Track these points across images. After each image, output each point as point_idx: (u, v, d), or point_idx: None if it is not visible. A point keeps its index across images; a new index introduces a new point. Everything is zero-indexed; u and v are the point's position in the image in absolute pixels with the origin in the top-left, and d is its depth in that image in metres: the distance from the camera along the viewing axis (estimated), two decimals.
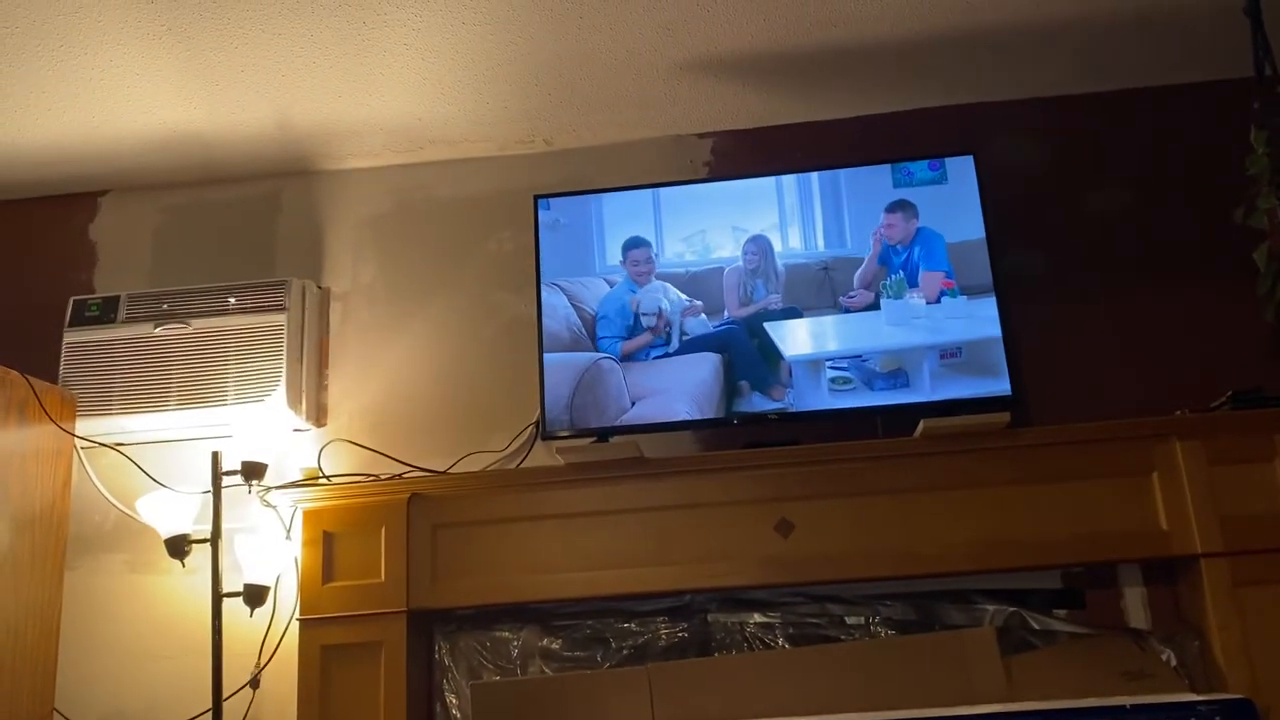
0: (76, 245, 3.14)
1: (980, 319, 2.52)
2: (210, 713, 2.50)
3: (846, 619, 2.55)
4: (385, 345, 2.95)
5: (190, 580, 2.73)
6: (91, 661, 2.76)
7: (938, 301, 2.54)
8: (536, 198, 2.73)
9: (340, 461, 2.80)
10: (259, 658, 2.65)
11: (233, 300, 2.83)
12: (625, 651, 2.57)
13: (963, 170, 2.62)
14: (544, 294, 2.65)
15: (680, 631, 2.57)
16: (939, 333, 2.52)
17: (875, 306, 2.56)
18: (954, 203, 2.60)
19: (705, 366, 2.58)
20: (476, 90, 2.80)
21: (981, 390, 2.48)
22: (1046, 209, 2.86)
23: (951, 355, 2.51)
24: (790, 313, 2.59)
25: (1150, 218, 2.83)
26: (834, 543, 2.43)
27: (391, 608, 2.49)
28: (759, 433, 2.57)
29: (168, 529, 2.61)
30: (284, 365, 2.76)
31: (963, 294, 2.54)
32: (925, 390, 2.50)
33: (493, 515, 2.54)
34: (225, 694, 2.53)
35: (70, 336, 2.85)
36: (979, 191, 2.59)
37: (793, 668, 2.43)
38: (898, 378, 2.52)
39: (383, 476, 2.64)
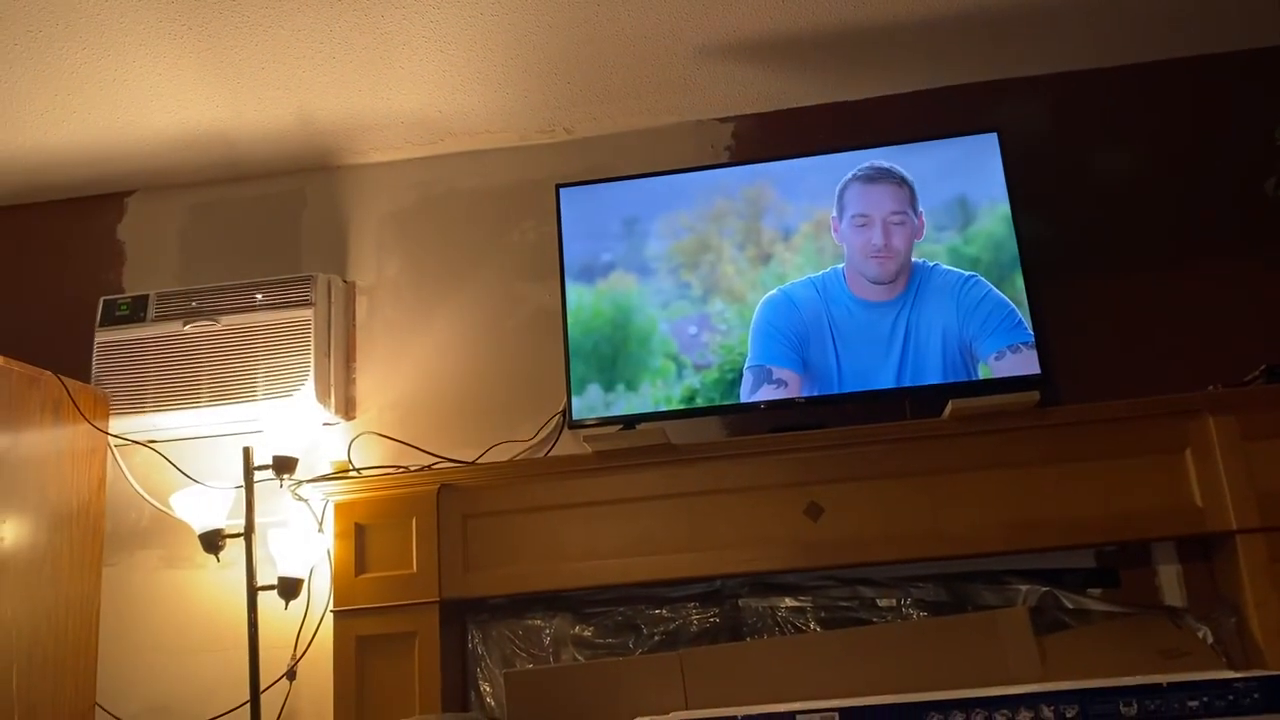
0: (105, 245, 3.17)
1: (1008, 297, 2.50)
2: (248, 704, 2.53)
3: (878, 601, 2.54)
4: (411, 338, 2.96)
5: (225, 574, 2.76)
6: (131, 656, 2.80)
7: (963, 281, 2.53)
8: (558, 187, 2.73)
9: (370, 454, 2.82)
10: (295, 650, 2.68)
11: (260, 296, 2.85)
12: (657, 638, 2.57)
13: (987, 148, 2.59)
14: (568, 283, 2.65)
15: (712, 617, 2.57)
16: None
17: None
18: (978, 180, 2.58)
19: None
20: (496, 81, 2.80)
21: (1010, 369, 2.46)
22: (1074, 184, 2.83)
23: None
24: None
25: (1179, 191, 2.79)
26: (864, 525, 2.43)
27: (424, 598, 2.50)
28: (786, 417, 2.56)
29: (202, 524, 2.64)
30: (312, 360, 2.78)
31: (990, 272, 2.52)
32: None
33: (522, 504, 2.55)
34: (262, 686, 2.56)
35: (101, 336, 2.88)
36: (1004, 169, 2.57)
37: (825, 651, 2.43)
38: None
39: (412, 468, 2.66)
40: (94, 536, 2.81)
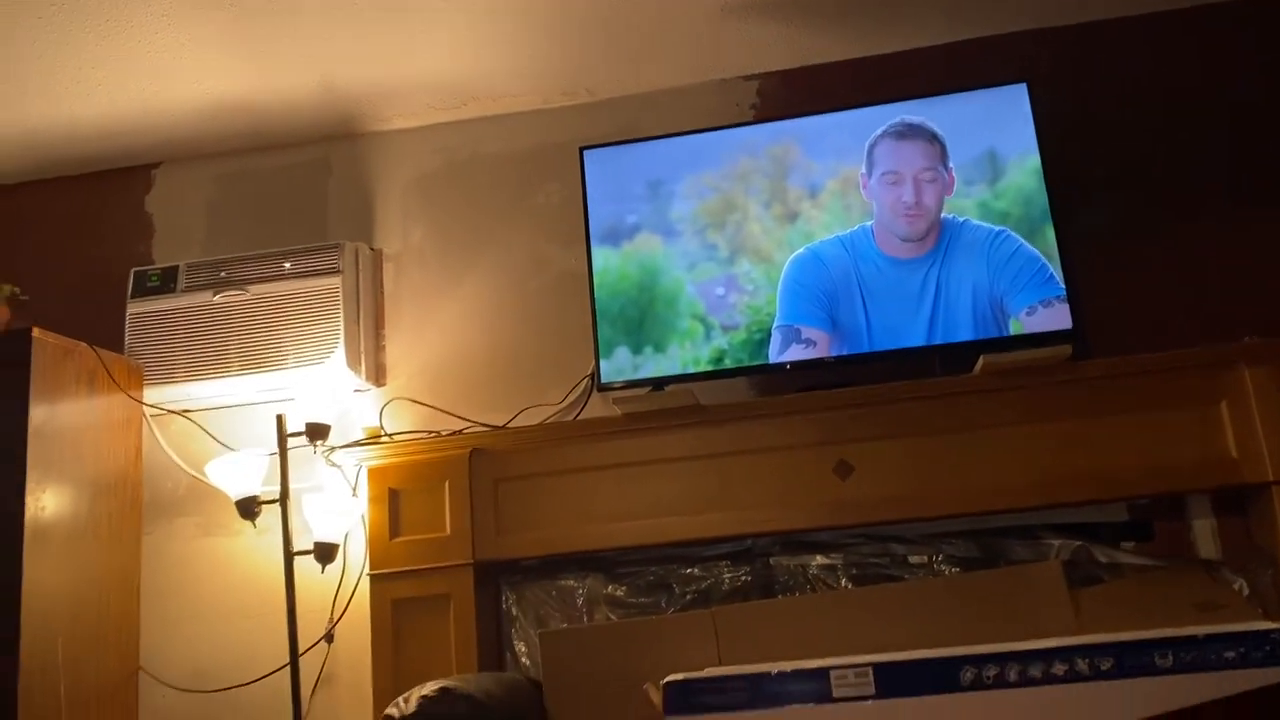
0: (134, 218, 3.19)
1: (1039, 251, 2.47)
2: (288, 667, 2.57)
3: (909, 558, 2.54)
4: (439, 303, 2.97)
5: (262, 540, 2.79)
6: (172, 622, 2.84)
7: (993, 236, 2.50)
8: (582, 149, 2.72)
9: (401, 419, 2.84)
10: (331, 613, 2.71)
11: (288, 265, 2.86)
12: (689, 596, 2.59)
13: (1016, 99, 2.56)
14: (594, 245, 2.65)
15: (743, 575, 2.58)
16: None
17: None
18: (1008, 133, 2.54)
19: None
20: (518, 43, 2.78)
21: (1042, 324, 2.44)
22: (1105, 136, 2.79)
23: None
24: None
25: (1212, 141, 2.75)
26: (894, 483, 2.42)
27: (458, 561, 2.53)
28: (815, 376, 2.55)
29: (237, 491, 2.67)
30: (341, 327, 2.79)
31: (1020, 226, 2.50)
32: None
33: (553, 467, 2.56)
34: (301, 649, 2.60)
35: (133, 307, 2.91)
36: (1034, 120, 2.53)
37: (856, 607, 2.43)
38: None
39: (443, 433, 2.68)
40: (132, 506, 2.85)
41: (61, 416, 2.63)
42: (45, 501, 2.53)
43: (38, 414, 2.54)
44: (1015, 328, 2.46)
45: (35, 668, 2.42)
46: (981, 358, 2.39)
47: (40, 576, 2.48)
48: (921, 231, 2.54)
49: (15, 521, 2.46)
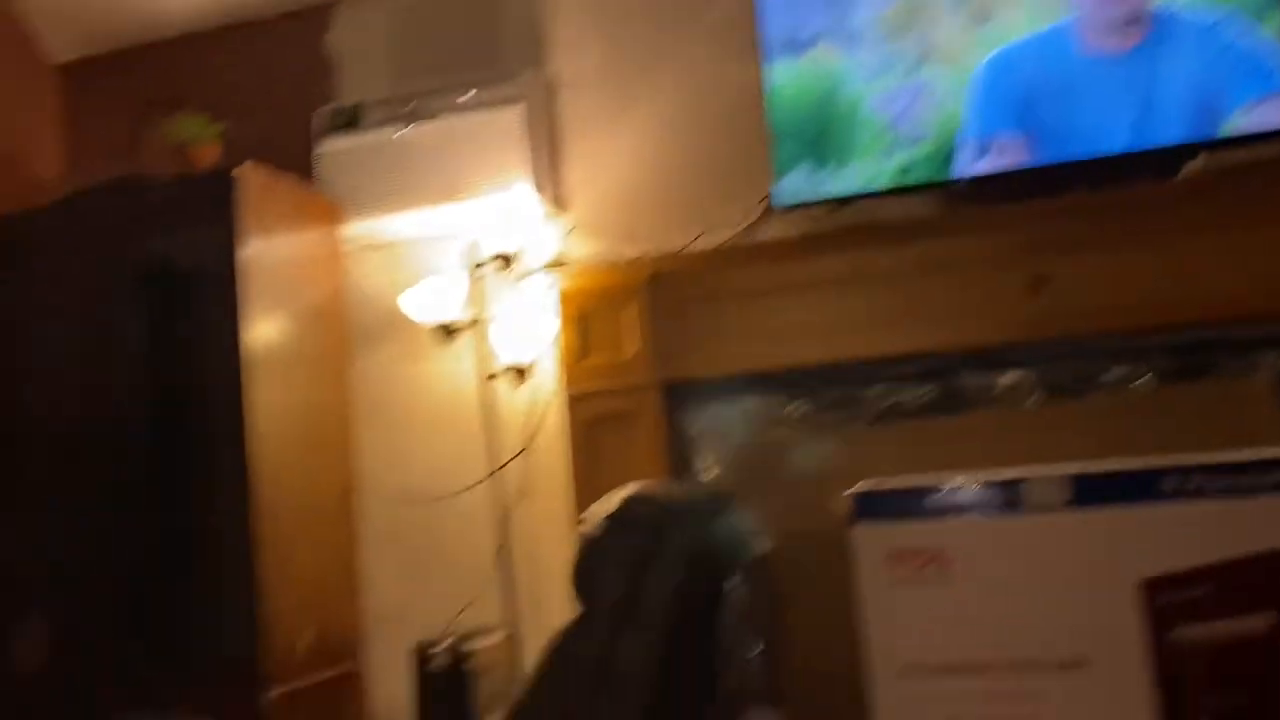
0: (316, 58, 3.27)
1: (1267, 38, 2.25)
2: (488, 480, 2.74)
3: (1105, 374, 2.45)
4: (615, 128, 2.94)
5: (458, 365, 2.92)
6: (380, 443, 3.03)
7: (1211, 25, 2.29)
8: None
9: (584, 245, 2.88)
10: (525, 430, 2.84)
11: (468, 96, 2.90)
12: (873, 415, 2.59)
13: None
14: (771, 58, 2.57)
15: (929, 392, 2.55)
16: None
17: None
18: None
19: None
20: None
21: (1263, 119, 2.24)
22: None
23: None
24: None
25: None
26: (1092, 296, 2.32)
27: (643, 381, 2.60)
28: (1009, 185, 2.43)
29: (433, 319, 2.80)
30: (523, 155, 2.83)
31: (1245, 9, 2.27)
32: None
33: (734, 288, 2.57)
34: (498, 464, 2.76)
35: (324, 146, 3.02)
36: None
37: (1046, 424, 2.39)
38: None
39: (626, 256, 2.71)
40: (339, 335, 3.02)
41: (270, 250, 2.77)
42: (262, 330, 2.71)
43: (249, 248, 2.69)
44: (1232, 126, 2.27)
45: (267, 481, 2.63)
46: (1199, 157, 2.22)
47: (264, 400, 2.66)
48: (1128, 22, 2.34)
49: (236, 349, 2.64)
